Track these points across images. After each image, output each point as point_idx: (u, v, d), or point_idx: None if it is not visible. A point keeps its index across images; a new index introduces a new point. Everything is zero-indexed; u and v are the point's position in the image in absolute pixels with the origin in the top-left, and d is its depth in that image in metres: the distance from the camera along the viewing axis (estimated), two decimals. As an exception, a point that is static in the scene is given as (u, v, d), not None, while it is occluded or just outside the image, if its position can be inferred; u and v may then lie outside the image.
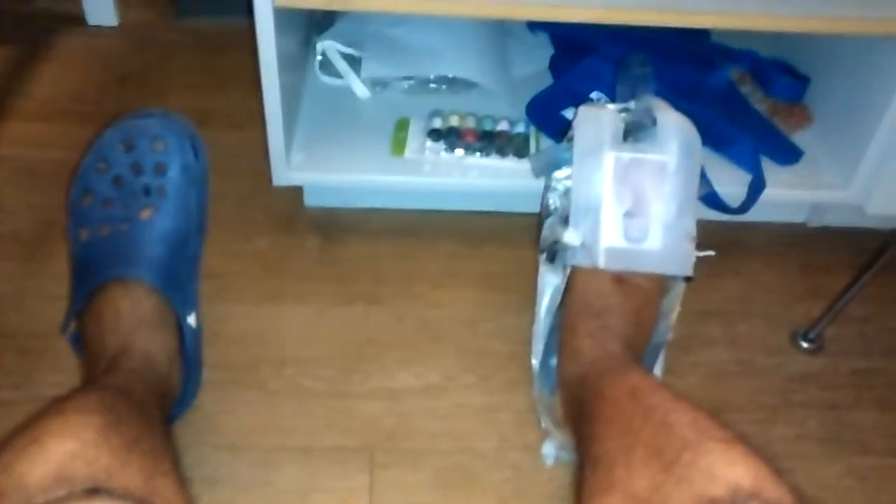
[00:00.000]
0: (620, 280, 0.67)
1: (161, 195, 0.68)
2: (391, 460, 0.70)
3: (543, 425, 0.71)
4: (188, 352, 0.68)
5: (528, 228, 0.86)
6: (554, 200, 0.72)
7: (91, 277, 0.66)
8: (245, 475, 0.68)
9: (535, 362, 0.72)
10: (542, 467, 0.70)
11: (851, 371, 0.80)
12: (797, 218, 0.95)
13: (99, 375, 0.62)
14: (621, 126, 0.68)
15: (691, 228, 0.68)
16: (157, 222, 0.67)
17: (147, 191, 0.68)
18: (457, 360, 0.78)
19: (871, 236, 0.90)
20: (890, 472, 0.72)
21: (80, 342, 0.69)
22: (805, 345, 0.81)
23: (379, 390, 0.75)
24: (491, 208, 0.93)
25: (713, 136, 0.83)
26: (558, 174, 0.71)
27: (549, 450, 0.70)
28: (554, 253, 0.70)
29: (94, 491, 0.43)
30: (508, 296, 0.84)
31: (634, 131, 0.67)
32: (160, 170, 0.68)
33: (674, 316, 0.70)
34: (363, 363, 0.77)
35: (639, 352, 0.67)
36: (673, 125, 0.68)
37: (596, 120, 0.69)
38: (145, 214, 0.67)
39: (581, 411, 0.61)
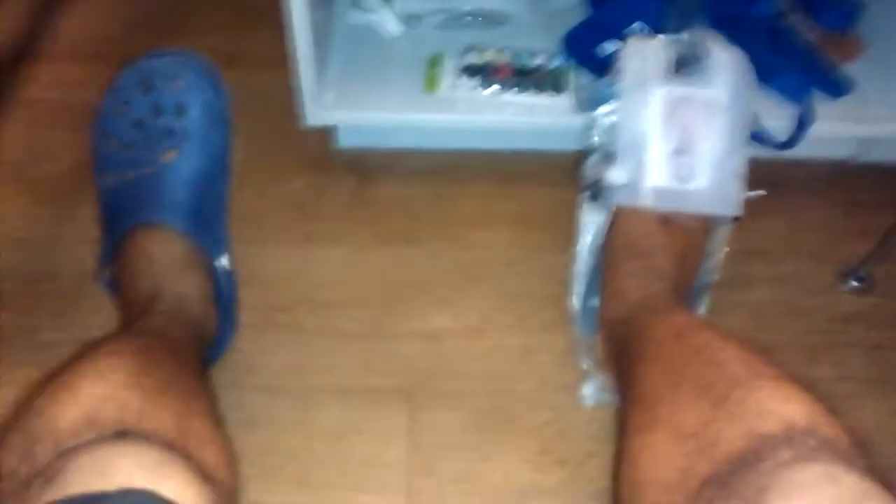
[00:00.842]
0: (666, 220, 0.65)
1: (184, 136, 0.66)
2: (430, 401, 0.70)
3: (583, 366, 0.70)
4: (222, 294, 0.68)
5: (566, 167, 0.84)
6: (597, 137, 0.70)
7: (119, 224, 0.66)
8: (283, 416, 0.69)
9: (575, 302, 0.71)
10: (582, 408, 0.70)
11: (898, 311, 0.78)
12: (842, 154, 0.91)
13: (133, 320, 0.62)
14: (671, 59, 0.65)
15: (740, 167, 0.65)
16: (182, 164, 0.66)
17: (169, 132, 0.66)
18: (495, 300, 0.77)
19: (921, 173, 0.87)
20: (937, 414, 0.71)
21: (116, 287, 0.69)
22: (853, 284, 0.79)
23: (416, 331, 0.75)
24: (527, 146, 0.90)
25: (758, 68, 0.80)
26: (601, 110, 0.69)
27: (588, 390, 0.69)
28: (597, 192, 0.68)
29: (122, 434, 0.42)
30: (545, 236, 0.82)
31: (684, 65, 0.64)
32: (181, 110, 0.66)
33: (720, 256, 0.69)
34: (399, 304, 0.77)
35: (684, 293, 0.66)
36: (725, 60, 0.65)
37: (644, 53, 0.66)
38: (169, 157, 0.66)
39: (624, 351, 0.60)
